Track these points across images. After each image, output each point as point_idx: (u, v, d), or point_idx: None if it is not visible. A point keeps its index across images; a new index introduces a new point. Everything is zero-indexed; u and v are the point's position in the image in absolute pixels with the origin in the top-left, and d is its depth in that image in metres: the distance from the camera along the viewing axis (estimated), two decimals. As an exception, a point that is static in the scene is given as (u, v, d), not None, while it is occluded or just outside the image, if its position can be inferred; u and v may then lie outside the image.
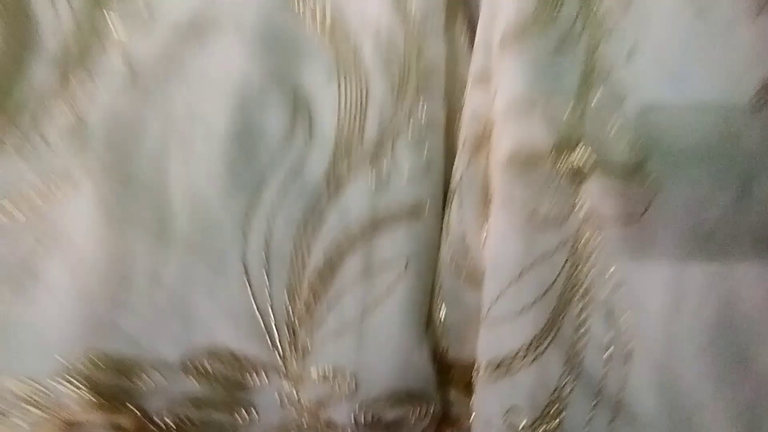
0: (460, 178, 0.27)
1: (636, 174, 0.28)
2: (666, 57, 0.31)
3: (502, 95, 0.28)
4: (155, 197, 0.24)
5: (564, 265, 0.26)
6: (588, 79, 0.30)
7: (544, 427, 0.25)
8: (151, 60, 0.26)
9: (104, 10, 0.27)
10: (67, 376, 0.23)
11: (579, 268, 0.26)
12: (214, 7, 0.27)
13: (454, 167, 0.27)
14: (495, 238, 0.26)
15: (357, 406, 0.24)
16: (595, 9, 0.31)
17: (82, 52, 0.25)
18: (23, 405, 0.23)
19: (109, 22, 0.26)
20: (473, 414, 0.26)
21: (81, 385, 0.23)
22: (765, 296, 0.27)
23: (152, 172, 0.24)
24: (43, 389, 0.23)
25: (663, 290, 0.26)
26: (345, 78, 0.27)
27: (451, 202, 0.27)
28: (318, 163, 0.25)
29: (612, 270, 0.26)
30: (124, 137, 0.24)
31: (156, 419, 0.23)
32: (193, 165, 0.24)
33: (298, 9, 0.28)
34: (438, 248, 0.26)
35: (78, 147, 0.24)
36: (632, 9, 0.32)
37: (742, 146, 0.30)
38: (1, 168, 0.24)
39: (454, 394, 0.26)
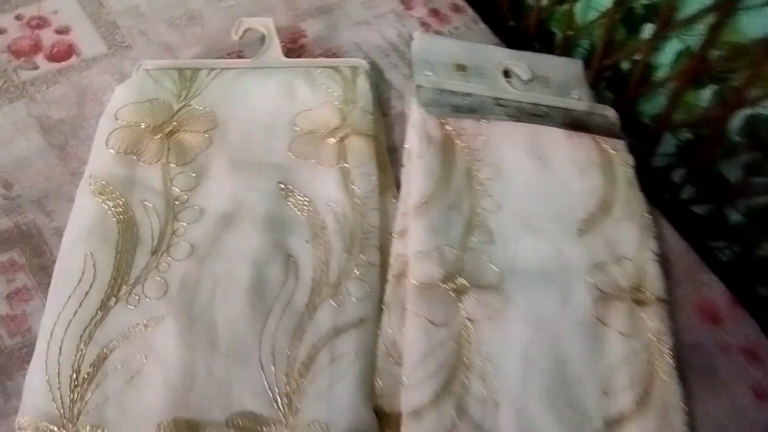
0: (389, 299, 0.45)
1: (496, 289, 0.45)
2: (522, 208, 0.50)
3: (412, 245, 0.46)
4: (208, 324, 0.41)
5: (452, 349, 0.42)
6: (470, 226, 0.48)
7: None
8: (202, 242, 0.44)
9: (174, 212, 0.46)
10: (159, 435, 0.39)
11: (461, 349, 0.43)
12: (238, 205, 0.46)
13: (386, 293, 0.45)
14: (409, 335, 0.43)
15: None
16: (474, 181, 0.50)
17: (162, 240, 0.44)
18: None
19: (178, 221, 0.45)
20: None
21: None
22: (587, 356, 0.43)
23: (206, 310, 0.42)
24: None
25: (518, 360, 0.43)
26: (316, 242, 0.46)
27: (384, 314, 0.44)
28: (302, 297, 0.43)
29: (483, 349, 0.43)
30: (190, 290, 0.42)
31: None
32: (230, 305, 0.42)
33: (288, 201, 0.47)
34: (376, 343, 0.43)
35: (163, 297, 0.42)
36: (501, 177, 0.51)
37: (569, 262, 0.47)
38: (120, 313, 0.42)
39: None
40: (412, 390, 0.41)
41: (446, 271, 0.45)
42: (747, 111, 0.54)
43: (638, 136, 0.61)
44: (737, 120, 0.55)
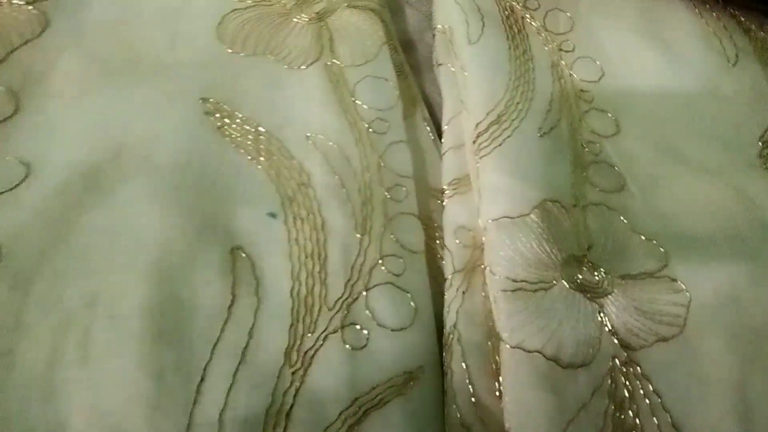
0: (456, 318, 0.22)
1: (660, 278, 0.23)
2: (656, 127, 0.28)
3: (487, 205, 0.23)
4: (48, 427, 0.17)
5: (606, 415, 0.20)
6: (581, 163, 0.25)
7: None
8: (29, 236, 0.19)
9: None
10: None
11: (624, 414, 0.20)
12: (113, 149, 0.21)
13: (446, 305, 0.22)
14: (513, 394, 0.20)
15: None
16: (569, 85, 0.28)
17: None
18: None
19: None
20: None
21: None
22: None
23: (39, 399, 0.17)
24: None
25: (728, 416, 0.21)
26: (293, 213, 0.22)
27: (451, 353, 0.21)
28: (273, 337, 0.19)
29: (661, 406, 0.21)
30: (3, 349, 0.17)
31: None
32: (98, 378, 0.17)
33: (225, 135, 0.23)
34: (442, 417, 0.20)
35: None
36: (609, 78, 0.29)
37: (764, 212, 0.26)
38: None
39: None
40: None
41: (562, 250, 0.22)
42: None
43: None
44: None
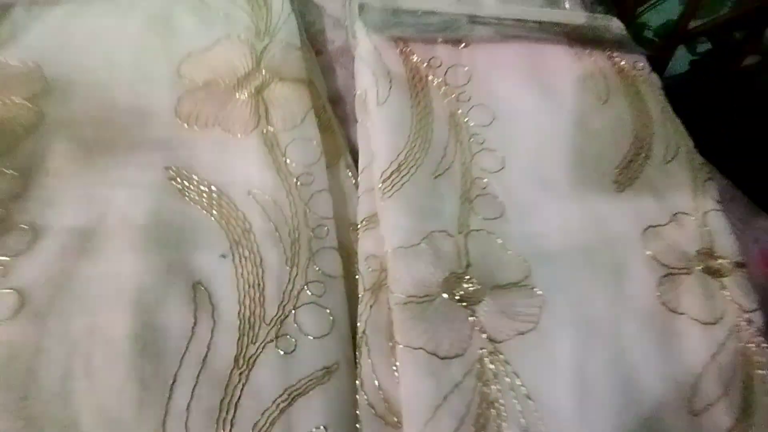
0: (365, 326, 0.29)
1: (523, 287, 0.30)
2: (534, 162, 0.35)
3: (389, 237, 0.30)
4: (62, 428, 0.24)
5: (473, 391, 0.27)
6: (468, 198, 0.32)
7: None
8: (40, 284, 0.26)
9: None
10: None
11: (487, 389, 0.28)
12: (98, 214, 0.28)
13: (358, 316, 0.29)
14: (406, 382, 0.27)
15: None
16: (463, 131, 0.35)
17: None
18: None
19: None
20: None
21: None
22: (660, 362, 0.30)
23: (57, 403, 0.24)
24: None
25: (570, 389, 0.28)
26: (238, 255, 0.29)
27: (361, 352, 0.28)
28: (225, 347, 0.26)
29: (518, 382, 0.28)
30: (23, 370, 0.24)
31: None
32: (100, 385, 0.24)
33: (185, 196, 0.30)
34: (355, 401, 0.27)
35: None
36: (499, 122, 0.36)
37: (614, 230, 0.33)
38: None
39: None
40: (424, 467, 0.26)
41: (446, 270, 0.29)
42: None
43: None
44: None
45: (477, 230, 0.31)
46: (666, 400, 0.29)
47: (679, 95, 0.51)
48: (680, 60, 0.49)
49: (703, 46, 0.47)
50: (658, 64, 0.49)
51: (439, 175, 0.32)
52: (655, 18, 0.49)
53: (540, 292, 0.30)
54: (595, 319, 0.30)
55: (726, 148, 0.50)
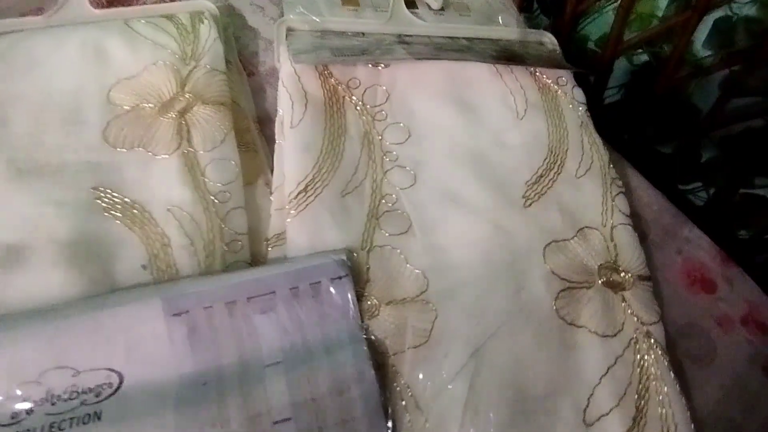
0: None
1: (419, 302, 0.32)
2: (445, 177, 0.36)
3: (291, 255, 0.32)
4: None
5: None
6: (375, 215, 0.34)
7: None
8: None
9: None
10: None
11: (383, 394, 0.30)
12: (26, 232, 0.31)
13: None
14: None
15: None
16: (377, 149, 0.36)
17: None
18: None
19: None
20: None
21: None
22: (555, 373, 0.31)
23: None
24: None
25: (460, 402, 0.30)
26: (157, 266, 0.31)
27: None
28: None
29: (410, 394, 0.30)
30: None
31: None
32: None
33: (108, 213, 0.32)
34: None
35: None
36: (413, 139, 0.37)
37: (516, 243, 0.34)
38: None
39: None
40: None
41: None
42: (716, 14, 0.42)
43: (585, 67, 0.48)
44: (703, 29, 0.43)
45: (381, 246, 0.33)
46: (559, 407, 0.31)
47: (619, 105, 0.52)
48: (623, 71, 0.50)
49: (641, 58, 0.48)
50: (602, 75, 0.51)
51: (348, 193, 0.34)
52: (594, 30, 0.50)
53: (434, 307, 0.31)
54: (489, 333, 0.31)
55: (658, 159, 0.51)
